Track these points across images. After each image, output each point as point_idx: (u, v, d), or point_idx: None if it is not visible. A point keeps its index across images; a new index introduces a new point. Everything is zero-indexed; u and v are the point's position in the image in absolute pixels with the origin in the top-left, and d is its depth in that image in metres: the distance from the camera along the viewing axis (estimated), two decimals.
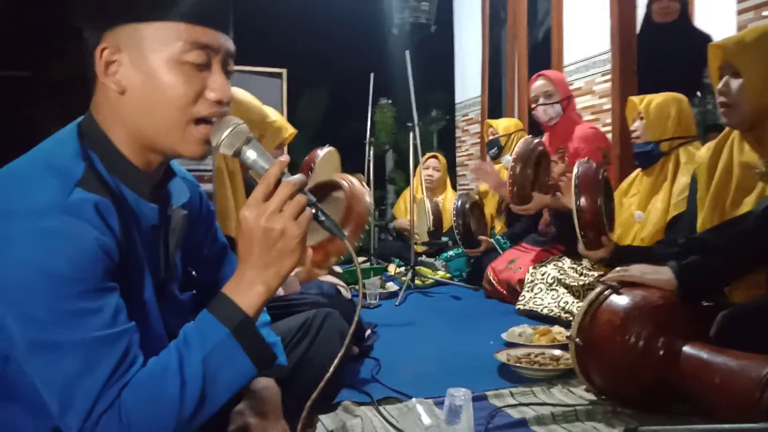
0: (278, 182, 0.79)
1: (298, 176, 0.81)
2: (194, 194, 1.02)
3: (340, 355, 0.85)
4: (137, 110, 0.81)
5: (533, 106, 2.93)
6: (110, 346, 0.74)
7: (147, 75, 0.80)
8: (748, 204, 1.50)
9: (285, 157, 0.82)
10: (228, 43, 0.84)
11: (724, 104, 1.54)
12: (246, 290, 0.80)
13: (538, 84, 2.91)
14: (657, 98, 2.20)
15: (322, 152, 2.48)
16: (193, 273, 1.01)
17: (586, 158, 2.25)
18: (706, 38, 3.01)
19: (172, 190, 0.94)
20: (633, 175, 2.35)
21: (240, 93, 2.03)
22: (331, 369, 0.84)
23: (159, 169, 0.89)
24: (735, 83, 1.51)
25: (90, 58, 0.82)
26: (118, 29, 0.80)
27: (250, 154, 0.83)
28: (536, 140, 2.78)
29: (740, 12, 2.51)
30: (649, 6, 3.13)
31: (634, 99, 2.26)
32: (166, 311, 0.90)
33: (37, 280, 0.70)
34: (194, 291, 1.00)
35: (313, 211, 0.81)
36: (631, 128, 2.25)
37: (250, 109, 2.01)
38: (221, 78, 0.83)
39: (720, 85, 1.55)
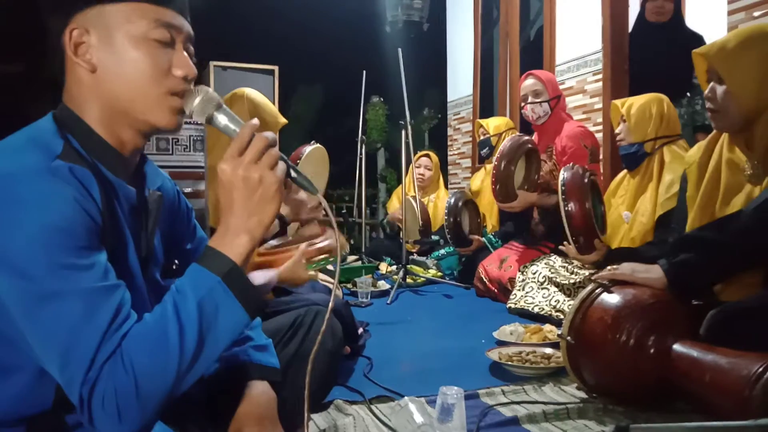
0: (251, 141, 0.83)
1: (269, 132, 0.83)
2: (172, 190, 1.05)
3: (311, 358, 0.86)
4: (110, 85, 0.85)
5: (522, 104, 2.94)
6: (106, 296, 0.76)
7: (115, 53, 0.84)
8: (737, 204, 1.51)
9: (255, 121, 0.85)
10: (187, 26, 0.89)
11: (712, 110, 1.54)
12: (231, 241, 0.81)
13: (528, 83, 2.91)
14: (638, 100, 2.21)
15: (307, 149, 2.46)
16: (176, 262, 1.01)
17: (571, 164, 2.27)
18: (697, 39, 3.03)
19: (147, 175, 0.96)
20: (620, 175, 2.37)
21: (254, 93, 2.05)
22: (309, 370, 0.86)
23: (135, 154, 0.92)
24: (720, 89, 1.51)
25: (56, 47, 0.85)
26: (85, 12, 0.83)
27: (221, 119, 0.87)
28: (525, 138, 2.79)
29: (731, 12, 2.52)
30: (643, 5, 3.14)
31: (617, 102, 2.27)
32: (148, 293, 0.91)
33: (31, 235, 0.72)
34: (176, 279, 1.01)
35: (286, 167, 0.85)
36: (616, 131, 2.27)
37: (264, 110, 2.02)
38: (185, 56, 0.88)
39: (707, 92, 1.56)
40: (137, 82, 0.84)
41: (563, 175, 2.13)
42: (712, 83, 1.54)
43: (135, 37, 0.83)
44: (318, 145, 2.51)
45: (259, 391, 1.00)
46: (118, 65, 0.83)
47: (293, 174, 0.85)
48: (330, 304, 0.88)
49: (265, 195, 0.80)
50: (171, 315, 0.76)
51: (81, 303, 0.73)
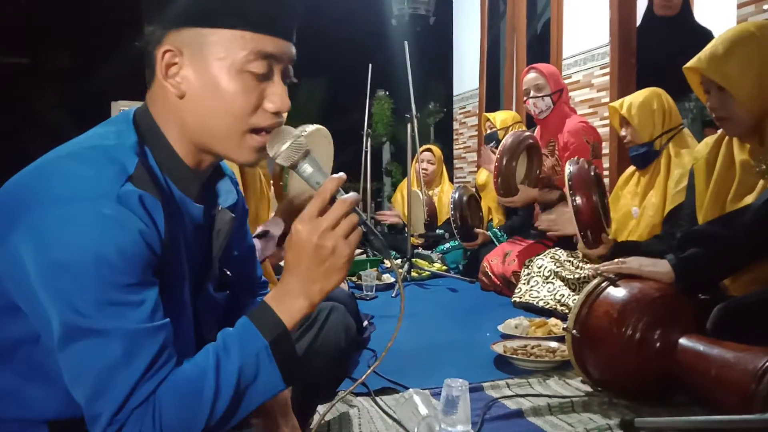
0: (333, 198, 0.80)
1: (353, 194, 0.80)
2: (241, 202, 1.01)
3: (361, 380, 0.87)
4: (194, 115, 0.81)
5: (524, 98, 2.94)
6: (150, 339, 0.73)
7: (207, 81, 0.79)
8: (748, 201, 1.50)
9: (341, 174, 0.81)
10: (291, 50, 0.83)
11: (720, 118, 1.53)
12: (289, 302, 0.80)
13: (530, 77, 2.90)
14: (637, 99, 2.19)
15: (309, 128, 2.34)
16: (228, 273, 0.99)
17: (576, 157, 2.25)
18: (706, 33, 3.00)
19: (219, 191, 0.93)
20: (629, 170, 2.35)
21: None
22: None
23: (208, 169, 0.88)
24: (722, 97, 1.49)
25: (149, 54, 0.81)
26: (181, 31, 0.79)
27: (307, 168, 0.83)
28: (526, 133, 2.79)
29: (740, 6, 2.50)
30: None
31: (614, 105, 2.24)
32: (200, 310, 0.89)
33: (88, 264, 0.69)
34: (228, 291, 0.99)
35: (364, 230, 0.82)
36: (621, 134, 2.25)
37: None
38: (281, 89, 0.82)
39: (709, 102, 1.54)
40: (223, 118, 0.79)
41: (569, 169, 2.13)
42: (712, 92, 1.52)
43: (231, 68, 0.78)
44: (319, 126, 2.38)
45: None
46: (208, 96, 0.79)
47: (371, 237, 0.84)
48: (394, 334, 0.86)
49: (333, 265, 0.79)
50: (211, 373, 0.75)
51: (123, 343, 0.71)
